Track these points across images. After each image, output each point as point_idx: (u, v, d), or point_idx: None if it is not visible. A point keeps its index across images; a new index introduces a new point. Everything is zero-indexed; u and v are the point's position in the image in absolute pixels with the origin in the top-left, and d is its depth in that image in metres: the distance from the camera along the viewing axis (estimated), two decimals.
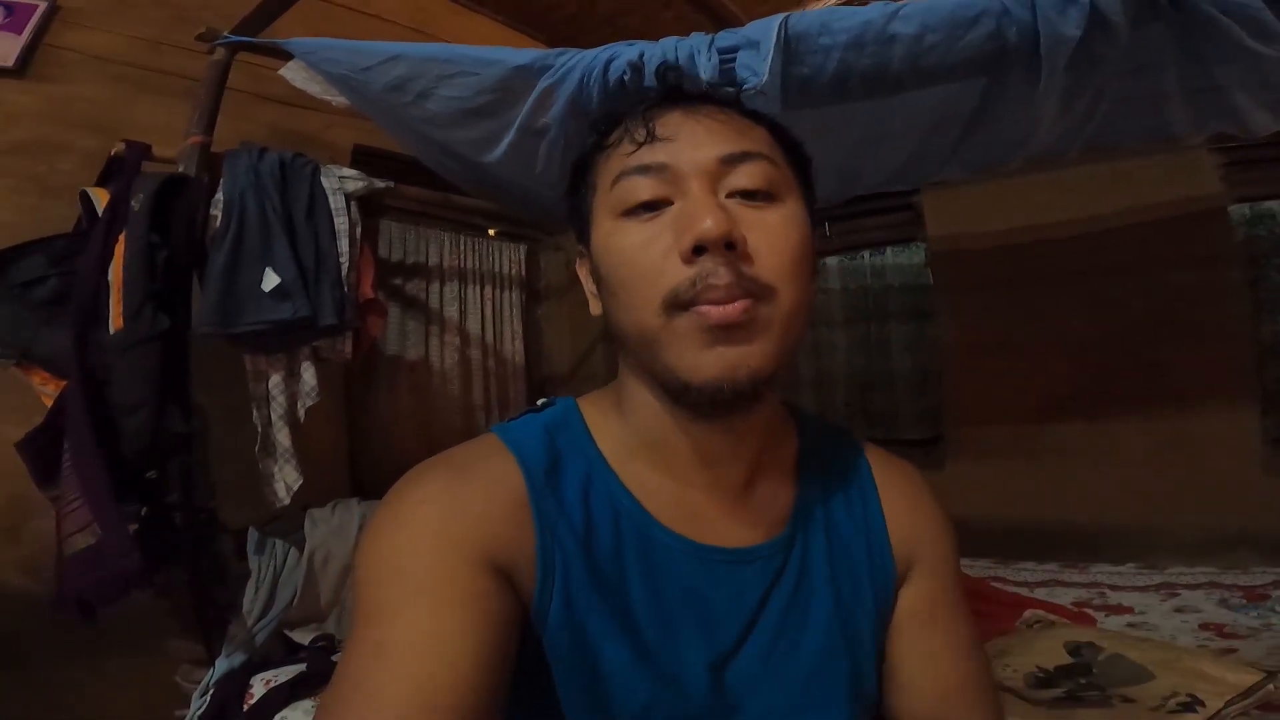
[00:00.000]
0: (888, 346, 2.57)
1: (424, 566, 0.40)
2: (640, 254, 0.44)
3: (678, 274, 0.42)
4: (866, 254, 2.59)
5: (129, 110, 1.66)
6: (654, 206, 0.44)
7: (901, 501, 0.56)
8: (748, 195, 0.45)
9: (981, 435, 2.21)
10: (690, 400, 0.45)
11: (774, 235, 0.44)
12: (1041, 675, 1.04)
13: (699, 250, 0.42)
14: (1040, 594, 1.52)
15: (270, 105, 1.83)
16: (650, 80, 0.51)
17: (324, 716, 0.36)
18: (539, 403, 0.53)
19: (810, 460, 0.55)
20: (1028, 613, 1.36)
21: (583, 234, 0.51)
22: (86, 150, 1.53)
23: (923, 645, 0.52)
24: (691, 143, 0.45)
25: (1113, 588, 1.53)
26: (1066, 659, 1.07)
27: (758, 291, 0.42)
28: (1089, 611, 1.40)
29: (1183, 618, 1.33)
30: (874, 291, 2.59)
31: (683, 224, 0.43)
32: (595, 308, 0.51)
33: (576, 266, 0.54)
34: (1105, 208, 1.96)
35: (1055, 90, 0.96)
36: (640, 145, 0.45)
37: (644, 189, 0.44)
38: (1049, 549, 1.84)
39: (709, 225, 0.41)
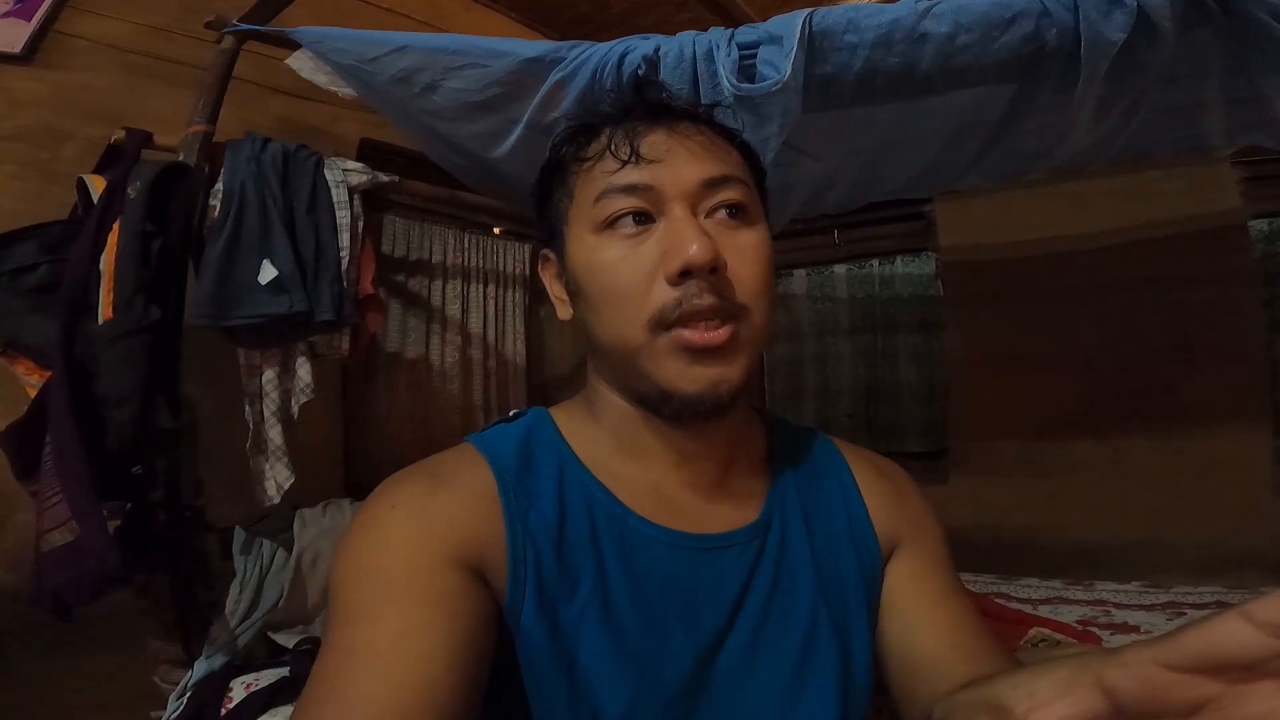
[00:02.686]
0: (894, 358, 2.53)
1: (396, 568, 0.41)
2: (624, 271, 0.46)
3: (663, 295, 0.45)
4: (875, 263, 2.57)
5: (137, 99, 1.62)
6: (637, 221, 0.46)
7: (880, 485, 0.57)
8: (729, 213, 0.47)
9: (987, 449, 2.18)
10: (669, 410, 0.48)
11: (748, 257, 0.47)
12: None
13: (685, 274, 0.44)
14: (1044, 611, 1.48)
15: (278, 97, 1.80)
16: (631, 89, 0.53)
17: (298, 718, 0.36)
18: (510, 414, 0.56)
19: (782, 453, 0.57)
20: (1032, 631, 1.32)
21: (553, 239, 0.52)
22: (91, 138, 1.48)
23: (920, 614, 0.52)
24: (675, 165, 0.47)
25: (1118, 605, 1.49)
26: None
27: (736, 313, 0.46)
28: (1094, 630, 1.35)
29: None
30: (881, 301, 2.56)
31: (669, 247, 0.45)
32: (564, 312, 0.54)
33: (541, 269, 0.55)
34: (1121, 221, 1.94)
35: (1091, 98, 0.92)
36: (624, 164, 0.47)
37: (628, 207, 0.46)
38: (1053, 565, 1.80)
39: (696, 251, 0.43)
